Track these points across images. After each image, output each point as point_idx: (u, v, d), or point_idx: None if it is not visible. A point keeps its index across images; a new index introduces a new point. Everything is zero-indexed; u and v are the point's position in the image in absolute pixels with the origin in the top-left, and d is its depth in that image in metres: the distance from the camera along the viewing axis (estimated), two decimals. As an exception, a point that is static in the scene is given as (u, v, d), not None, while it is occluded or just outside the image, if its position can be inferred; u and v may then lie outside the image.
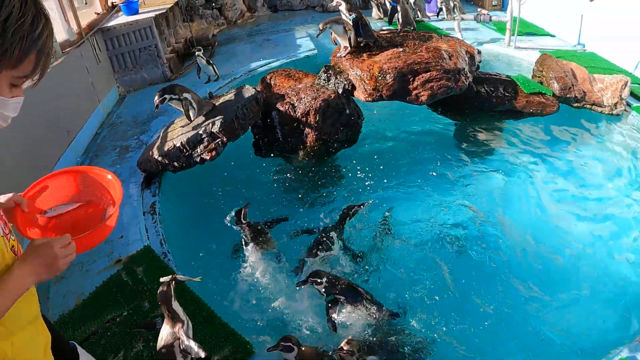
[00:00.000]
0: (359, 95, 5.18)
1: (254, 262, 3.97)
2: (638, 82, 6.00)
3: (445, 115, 6.05)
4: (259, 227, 4.21)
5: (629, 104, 5.70)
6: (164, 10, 8.08)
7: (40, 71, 1.44)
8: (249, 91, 5.18)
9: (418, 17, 8.76)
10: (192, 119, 4.85)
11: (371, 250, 4.21)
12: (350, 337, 2.98)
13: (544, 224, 4.46)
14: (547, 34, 8.02)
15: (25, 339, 1.61)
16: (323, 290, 3.43)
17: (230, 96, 5.24)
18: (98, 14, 7.68)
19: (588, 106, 5.67)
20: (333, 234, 4.09)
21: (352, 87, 5.24)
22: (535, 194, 4.82)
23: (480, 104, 5.69)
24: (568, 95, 5.63)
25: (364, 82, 5.06)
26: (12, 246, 1.59)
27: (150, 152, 4.90)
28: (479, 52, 5.90)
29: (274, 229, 4.34)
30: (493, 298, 3.66)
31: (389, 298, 3.62)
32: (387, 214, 4.57)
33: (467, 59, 5.42)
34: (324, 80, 5.42)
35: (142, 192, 4.81)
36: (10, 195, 1.83)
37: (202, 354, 2.67)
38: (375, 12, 9.48)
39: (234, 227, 4.22)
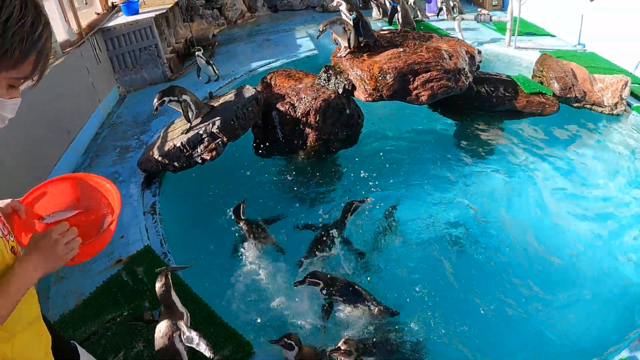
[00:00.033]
0: (359, 95, 5.18)
1: (253, 260, 3.98)
2: (638, 82, 5.99)
3: (446, 115, 6.05)
4: (257, 224, 4.25)
5: (629, 104, 5.70)
6: (164, 10, 8.08)
7: (39, 73, 1.46)
8: (249, 91, 5.18)
9: (418, 17, 8.76)
10: (191, 121, 4.85)
11: (372, 248, 4.22)
12: (347, 337, 2.98)
13: (545, 223, 4.46)
14: (548, 34, 8.01)
15: (26, 340, 1.61)
16: (320, 290, 3.45)
17: (230, 96, 5.25)
18: (98, 14, 7.69)
19: (588, 106, 5.67)
20: (334, 232, 4.10)
21: (352, 87, 5.24)
22: (535, 194, 4.82)
23: (481, 104, 5.69)
24: (568, 95, 5.63)
25: (364, 82, 5.06)
26: (12, 247, 1.60)
27: (151, 152, 4.90)
28: (479, 52, 5.90)
29: (273, 226, 4.37)
30: (493, 298, 3.66)
31: (389, 297, 3.62)
32: (391, 209, 4.58)
33: (467, 59, 5.42)
34: (324, 80, 5.42)
35: (142, 192, 4.81)
36: (8, 200, 1.83)
37: (204, 345, 2.68)
38: (375, 13, 9.48)
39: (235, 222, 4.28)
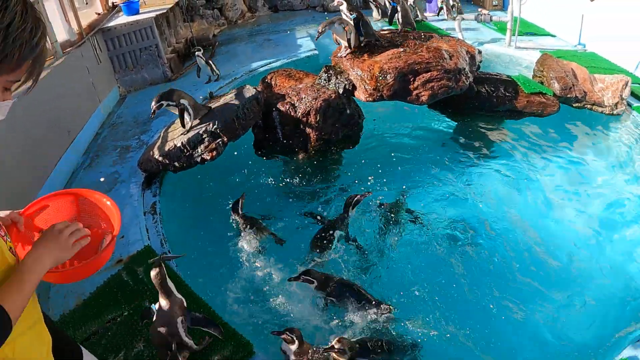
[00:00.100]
0: (360, 95, 5.18)
1: (254, 259, 3.99)
2: (639, 82, 5.99)
3: (446, 115, 6.05)
4: (253, 218, 4.34)
5: (629, 104, 5.70)
6: (165, 11, 8.09)
7: (35, 77, 1.49)
8: (249, 91, 5.18)
9: (418, 17, 8.76)
10: (186, 126, 4.84)
11: (372, 246, 4.24)
12: (341, 336, 2.98)
13: (545, 223, 4.46)
14: (548, 34, 8.01)
15: (27, 343, 1.62)
16: (314, 288, 3.49)
17: (231, 96, 5.25)
18: (99, 14, 7.69)
19: (589, 106, 5.67)
20: (336, 232, 4.13)
21: (352, 87, 5.23)
22: (535, 194, 4.82)
23: (481, 104, 5.69)
24: (569, 95, 5.63)
25: (365, 82, 5.06)
26: (10, 247, 1.61)
27: (151, 152, 4.90)
28: (480, 52, 5.89)
29: (273, 225, 4.43)
30: (494, 297, 3.66)
31: (389, 296, 3.62)
32: (402, 196, 4.66)
33: (467, 59, 5.42)
34: (325, 80, 5.42)
35: (142, 192, 4.82)
36: (8, 212, 1.84)
37: (212, 326, 2.87)
38: (375, 13, 9.48)
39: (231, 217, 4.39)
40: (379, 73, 4.97)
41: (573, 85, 5.67)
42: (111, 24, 7.42)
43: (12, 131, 4.56)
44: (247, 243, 4.17)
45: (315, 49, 8.20)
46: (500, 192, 4.87)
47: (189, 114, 4.83)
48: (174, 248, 4.02)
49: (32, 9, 1.39)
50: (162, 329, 2.83)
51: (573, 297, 3.69)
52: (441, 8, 9.02)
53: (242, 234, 4.25)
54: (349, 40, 5.30)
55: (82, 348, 2.40)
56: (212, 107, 5.11)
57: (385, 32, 6.01)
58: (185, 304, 2.92)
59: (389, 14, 6.24)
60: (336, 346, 2.83)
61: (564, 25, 7.65)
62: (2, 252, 1.53)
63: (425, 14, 9.37)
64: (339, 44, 5.54)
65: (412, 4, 8.31)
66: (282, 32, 9.65)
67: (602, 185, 4.87)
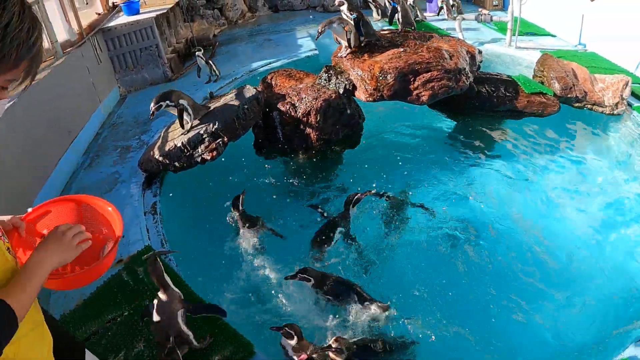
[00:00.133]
0: (360, 95, 5.18)
1: (254, 260, 3.99)
2: (639, 82, 5.99)
3: (446, 115, 6.05)
4: (252, 216, 4.37)
5: (630, 104, 5.69)
6: (165, 11, 8.09)
7: (31, 77, 1.50)
8: (249, 91, 5.18)
9: (418, 17, 8.76)
10: (184, 126, 4.84)
11: (373, 244, 4.24)
12: (338, 336, 2.99)
13: (545, 223, 4.46)
14: (548, 34, 8.01)
15: (30, 343, 1.62)
16: (311, 287, 3.50)
17: (231, 96, 5.25)
18: (99, 14, 7.69)
19: (589, 106, 5.67)
20: (337, 228, 4.16)
21: (353, 87, 5.23)
22: (536, 194, 4.82)
23: (481, 104, 5.69)
24: (569, 95, 5.63)
25: (365, 82, 5.06)
26: (8, 248, 1.62)
27: (151, 152, 4.90)
28: (480, 52, 5.89)
29: (274, 224, 4.44)
30: (494, 297, 3.66)
31: (388, 295, 3.61)
32: (406, 191, 4.70)
33: (468, 59, 5.41)
34: (325, 80, 5.42)
35: (143, 192, 4.82)
36: (9, 217, 1.84)
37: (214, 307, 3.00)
38: (375, 13, 9.48)
39: (229, 214, 4.46)
40: (380, 73, 4.97)
41: (573, 85, 5.67)
42: (111, 24, 7.42)
43: (13, 131, 4.56)
44: (246, 241, 4.19)
45: (315, 49, 8.20)
46: (500, 191, 4.87)
47: (189, 114, 4.83)
48: (174, 248, 4.01)
49: (29, 9, 1.41)
50: (162, 323, 2.87)
51: (574, 297, 3.69)
52: (441, 8, 9.03)
53: (241, 231, 4.28)
54: (348, 40, 5.30)
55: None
56: (212, 107, 5.12)
57: (386, 32, 6.01)
58: (182, 297, 2.99)
59: (388, 14, 6.24)
60: (334, 345, 2.84)
61: (564, 25, 7.65)
62: (3, 253, 1.53)
63: (425, 14, 9.37)
64: (339, 43, 5.54)
65: (411, 3, 8.31)
66: (283, 32, 9.65)
67: (603, 185, 4.87)
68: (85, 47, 6.61)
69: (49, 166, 5.05)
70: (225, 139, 4.73)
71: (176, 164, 4.72)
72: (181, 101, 4.76)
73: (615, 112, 5.59)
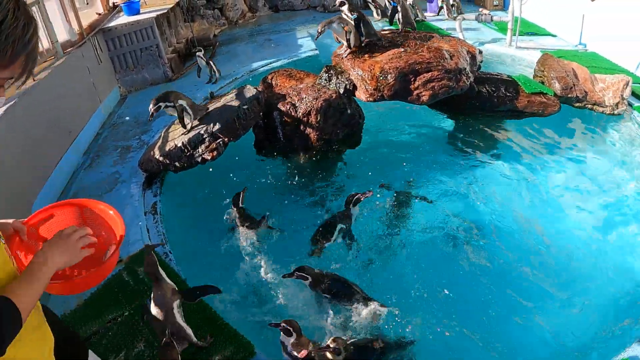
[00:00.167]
0: (360, 95, 5.18)
1: (255, 260, 4.00)
2: (639, 82, 5.99)
3: (447, 115, 6.05)
4: (251, 216, 4.40)
5: (630, 104, 5.69)
6: (165, 11, 8.09)
7: (27, 74, 1.50)
8: (250, 91, 5.18)
9: (418, 17, 8.76)
10: (186, 126, 4.85)
11: (373, 244, 4.25)
12: (336, 336, 2.99)
13: (546, 223, 4.45)
14: (549, 34, 8.01)
15: (31, 344, 1.62)
16: (308, 285, 3.51)
17: (231, 96, 5.25)
18: (99, 14, 7.70)
19: (589, 106, 5.66)
20: (338, 225, 4.19)
21: (353, 87, 5.23)
22: (536, 194, 4.81)
23: (482, 104, 5.69)
24: (569, 95, 5.62)
25: (365, 82, 5.06)
26: (6, 248, 1.62)
27: (152, 152, 4.90)
28: (480, 52, 5.89)
29: (274, 224, 4.46)
30: (494, 297, 3.65)
31: (388, 294, 3.61)
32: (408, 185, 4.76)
33: (468, 58, 5.41)
34: (325, 80, 5.42)
35: (143, 192, 4.82)
36: (10, 220, 1.84)
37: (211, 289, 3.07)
38: (375, 13, 9.48)
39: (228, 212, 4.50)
40: (380, 73, 4.97)
41: (574, 85, 5.67)
42: (112, 24, 7.42)
43: (13, 131, 4.56)
44: (245, 240, 4.20)
45: (315, 49, 8.20)
46: (501, 191, 4.87)
47: (188, 115, 4.83)
48: (174, 248, 4.01)
49: (24, 6, 1.41)
50: (159, 316, 2.91)
51: (574, 297, 3.68)
52: (441, 7, 9.03)
53: (240, 229, 4.30)
54: (348, 41, 5.30)
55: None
56: (212, 107, 5.12)
57: (386, 32, 6.01)
58: (176, 288, 3.05)
59: (389, 14, 6.24)
60: (331, 345, 2.84)
61: (564, 25, 7.64)
62: (2, 254, 1.54)
63: (425, 14, 9.36)
64: (340, 42, 5.54)
65: (411, 3, 8.31)
66: (283, 32, 9.65)
67: (603, 185, 4.87)
68: (85, 47, 6.61)
69: (49, 166, 5.05)
70: (226, 139, 4.73)
71: (176, 164, 4.72)
72: (180, 102, 4.76)
73: (615, 112, 5.59)
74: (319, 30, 5.18)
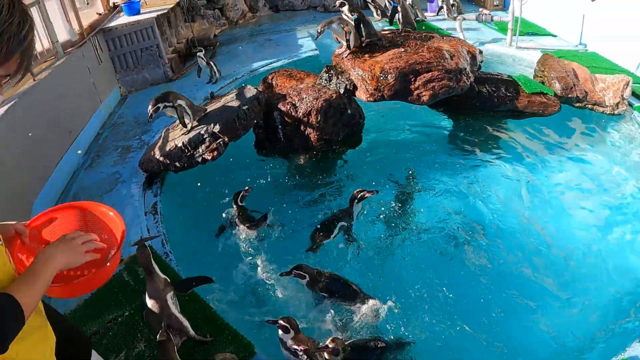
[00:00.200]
0: (361, 95, 5.18)
1: (255, 259, 4.00)
2: (639, 82, 6.00)
3: (447, 115, 6.05)
4: (249, 215, 4.40)
5: (630, 104, 5.69)
6: (166, 11, 8.09)
7: (23, 71, 1.50)
8: (250, 91, 5.19)
9: (418, 17, 8.77)
10: (187, 125, 4.86)
11: (373, 242, 4.26)
12: (335, 336, 2.99)
13: (546, 223, 4.45)
14: (549, 34, 8.00)
15: (33, 344, 1.63)
16: (306, 284, 3.52)
17: (232, 96, 5.25)
18: (100, 14, 7.70)
19: (590, 106, 5.66)
20: (339, 223, 4.21)
21: (353, 87, 5.23)
22: (536, 194, 4.81)
23: (482, 104, 5.69)
24: (570, 95, 5.62)
25: (366, 82, 5.06)
26: (6, 250, 1.62)
27: (152, 152, 4.90)
28: (481, 52, 5.89)
29: (274, 224, 4.47)
30: (494, 297, 3.65)
31: (388, 294, 3.61)
32: (410, 171, 4.88)
33: (468, 59, 5.42)
34: (326, 80, 5.43)
35: (143, 192, 4.82)
36: (13, 223, 1.84)
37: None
38: (375, 13, 9.49)
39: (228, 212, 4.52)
40: (380, 73, 4.97)
41: (574, 85, 5.67)
42: (112, 24, 7.43)
43: (13, 131, 4.56)
44: (244, 238, 4.24)
45: (316, 49, 8.20)
46: (501, 191, 4.87)
47: (188, 115, 4.84)
48: (174, 248, 4.02)
49: (19, 3, 1.41)
50: (154, 308, 2.97)
51: (575, 297, 3.68)
52: (441, 7, 9.03)
53: (239, 228, 4.33)
54: (348, 41, 5.31)
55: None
56: (212, 107, 5.13)
57: (386, 32, 6.01)
58: (169, 280, 3.11)
59: (389, 14, 6.24)
60: (330, 345, 2.84)
61: (565, 25, 7.64)
62: (2, 255, 1.54)
63: (426, 14, 9.36)
64: (340, 42, 5.55)
65: (410, 3, 8.31)
66: (283, 32, 9.65)
67: (603, 185, 4.86)
68: (86, 47, 6.61)
69: (49, 166, 5.05)
70: (226, 139, 4.73)
71: (177, 164, 4.72)
72: (179, 102, 4.77)
73: (616, 112, 5.59)
74: (319, 31, 5.18)
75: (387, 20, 6.57)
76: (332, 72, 5.41)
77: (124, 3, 7.69)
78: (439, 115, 6.06)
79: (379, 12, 8.92)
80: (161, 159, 4.74)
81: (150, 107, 4.67)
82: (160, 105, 4.71)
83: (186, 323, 3.03)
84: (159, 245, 4.01)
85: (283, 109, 5.18)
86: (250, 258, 4.04)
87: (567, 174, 5.06)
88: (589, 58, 6.69)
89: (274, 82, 5.85)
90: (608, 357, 3.00)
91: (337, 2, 5.44)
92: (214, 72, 7.31)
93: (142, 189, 4.88)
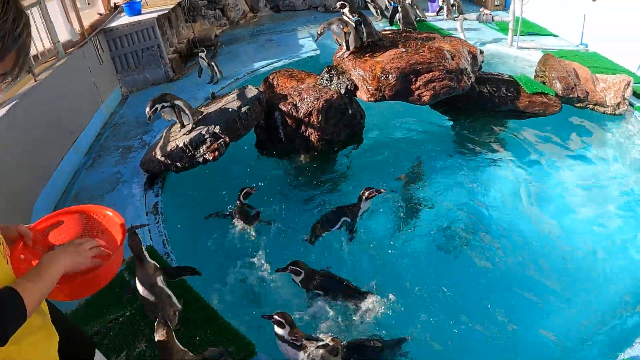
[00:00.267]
0: (362, 95, 5.18)
1: (255, 259, 4.01)
2: (641, 82, 5.99)
3: (448, 115, 6.05)
4: (248, 213, 4.47)
5: (631, 104, 5.69)
6: (167, 11, 8.10)
7: (19, 69, 1.49)
8: (251, 91, 5.19)
9: (419, 17, 8.77)
10: (185, 125, 4.86)
11: (374, 241, 4.26)
12: (334, 336, 2.99)
13: (547, 223, 4.45)
14: (550, 34, 8.00)
15: (35, 343, 1.63)
16: (300, 282, 3.54)
17: (233, 96, 5.25)
18: (101, 14, 7.71)
19: (591, 106, 5.66)
20: (342, 218, 4.24)
21: (354, 87, 5.24)
22: (537, 194, 4.81)
23: (483, 104, 5.69)
24: (570, 95, 5.62)
25: (367, 82, 5.06)
26: (6, 252, 1.62)
27: (153, 153, 4.91)
28: (482, 52, 5.89)
29: (274, 224, 4.50)
30: (495, 297, 3.65)
31: (386, 293, 3.61)
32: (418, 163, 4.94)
33: (469, 59, 5.41)
34: (327, 80, 5.43)
35: (144, 193, 4.82)
36: (16, 225, 1.84)
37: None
38: (374, 13, 9.49)
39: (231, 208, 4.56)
40: (381, 73, 4.97)
41: (575, 85, 5.66)
42: (113, 24, 7.44)
43: (14, 131, 4.57)
44: (238, 229, 4.32)
45: (317, 49, 8.20)
46: (501, 191, 4.87)
47: (186, 115, 4.85)
48: (175, 248, 4.02)
49: (13, 1, 1.40)
50: (145, 292, 3.10)
51: (576, 296, 3.68)
52: (441, 7, 9.03)
53: (235, 222, 4.39)
54: (347, 42, 5.31)
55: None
56: (213, 108, 5.13)
57: (387, 32, 6.01)
58: (158, 265, 3.27)
59: (389, 14, 6.24)
60: (330, 344, 2.85)
61: (565, 25, 7.64)
62: (1, 257, 1.54)
63: (427, 14, 9.36)
64: (340, 44, 5.55)
65: (410, 2, 8.31)
66: (284, 33, 9.66)
67: (604, 185, 4.86)
68: (87, 47, 6.62)
69: (50, 166, 5.06)
70: (227, 139, 4.73)
71: (178, 164, 4.73)
72: (176, 102, 4.79)
73: (617, 112, 5.59)
74: (319, 32, 5.20)
75: (387, 20, 6.56)
76: (333, 72, 5.42)
77: (125, 3, 7.71)
78: (440, 115, 6.06)
79: (378, 12, 8.92)
80: (162, 159, 4.74)
81: (148, 108, 4.69)
82: (158, 106, 4.72)
83: (174, 297, 3.19)
84: (160, 246, 4.02)
85: (284, 109, 5.18)
86: (251, 258, 4.04)
87: (567, 174, 5.06)
88: (590, 58, 6.69)
89: (275, 83, 5.85)
90: (608, 357, 3.00)
91: (338, 3, 5.44)
92: (215, 73, 7.32)
93: (143, 189, 4.88)
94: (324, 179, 5.21)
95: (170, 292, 3.18)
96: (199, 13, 10.33)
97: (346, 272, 3.85)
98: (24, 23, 1.43)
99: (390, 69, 4.96)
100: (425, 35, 5.84)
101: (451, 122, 6.08)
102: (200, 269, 3.74)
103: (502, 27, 8.17)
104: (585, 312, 3.56)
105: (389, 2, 6.60)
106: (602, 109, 5.63)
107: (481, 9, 8.95)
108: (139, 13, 7.75)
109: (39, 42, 5.58)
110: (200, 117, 5.02)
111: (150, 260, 3.22)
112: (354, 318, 3.42)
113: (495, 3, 9.62)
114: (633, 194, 4.67)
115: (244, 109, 4.93)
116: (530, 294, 3.70)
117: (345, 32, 5.25)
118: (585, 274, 3.87)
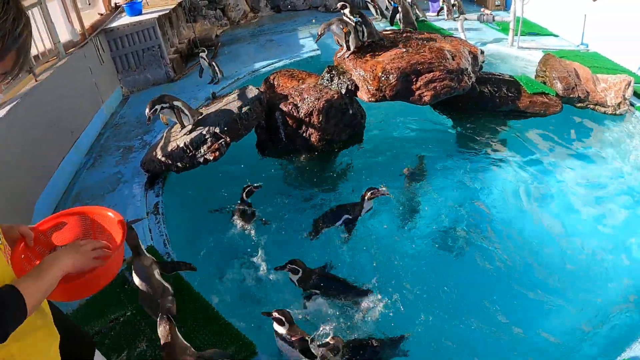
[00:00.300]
0: (362, 95, 5.19)
1: (256, 259, 4.02)
2: (641, 82, 5.98)
3: (449, 115, 6.05)
4: (246, 210, 4.49)
5: (632, 104, 5.69)
6: (167, 11, 8.12)
7: (19, 69, 1.49)
8: (252, 92, 5.19)
9: (419, 16, 8.76)
10: (185, 125, 4.87)
11: (375, 240, 4.27)
12: (334, 335, 3.00)
13: (547, 223, 4.45)
14: (550, 34, 8.00)
15: (33, 345, 1.63)
16: (297, 280, 3.55)
17: (233, 97, 5.26)
18: (101, 14, 7.71)
19: (591, 106, 5.66)
20: (344, 216, 4.26)
21: (355, 87, 5.24)
22: (538, 194, 4.81)
23: (484, 104, 5.69)
24: (571, 95, 5.62)
25: (367, 82, 5.06)
26: (6, 252, 1.63)
27: (154, 153, 4.91)
28: (482, 52, 5.89)
29: (275, 224, 4.51)
30: (495, 297, 3.65)
31: (386, 293, 3.61)
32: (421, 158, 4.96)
33: (470, 59, 5.41)
34: (327, 80, 5.43)
35: (145, 193, 4.83)
36: (17, 225, 1.84)
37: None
38: (374, 13, 9.48)
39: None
40: (382, 73, 4.97)
41: (576, 85, 5.66)
42: (114, 24, 7.44)
43: (15, 131, 4.57)
44: (238, 226, 4.36)
45: (317, 49, 8.21)
46: (502, 191, 4.87)
47: (186, 115, 4.85)
48: (176, 248, 4.02)
49: (14, 1, 1.40)
50: (143, 284, 3.18)
51: (576, 296, 3.68)
52: (442, 8, 9.02)
53: (234, 219, 4.44)
54: (347, 42, 5.31)
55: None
56: (214, 108, 5.14)
57: (388, 32, 6.01)
58: (155, 259, 3.38)
59: (390, 14, 6.24)
60: (331, 342, 2.85)
61: (566, 25, 7.64)
62: (1, 257, 1.54)
63: (427, 14, 9.36)
64: (341, 44, 5.55)
65: (410, 2, 8.30)
66: (285, 33, 9.66)
67: (605, 185, 4.86)
68: (87, 47, 6.62)
69: (51, 166, 5.06)
70: (228, 140, 4.73)
71: (179, 164, 4.73)
72: (175, 102, 4.79)
73: (617, 112, 5.59)
74: (319, 33, 5.21)
75: (387, 20, 6.56)
76: (333, 72, 5.42)
77: (125, 3, 7.71)
78: (441, 115, 6.06)
79: (377, 12, 8.91)
80: (163, 159, 4.75)
81: (147, 109, 4.70)
82: (157, 107, 4.73)
83: (170, 288, 3.26)
84: (161, 246, 4.02)
85: (285, 109, 5.18)
86: (251, 258, 4.05)
87: (568, 174, 5.06)
88: (590, 58, 6.69)
89: (275, 83, 5.86)
90: (608, 357, 3.00)
91: (339, 4, 5.44)
92: (216, 73, 7.32)
93: (144, 189, 4.89)
94: (325, 179, 5.21)
95: (166, 284, 3.25)
96: (200, 13, 10.34)
97: (346, 271, 3.86)
98: (24, 23, 1.43)
99: (391, 69, 4.96)
100: (425, 35, 5.84)
101: (452, 122, 6.07)
102: (201, 269, 3.76)
103: (503, 27, 8.17)
104: (585, 312, 3.56)
105: (389, 2, 6.60)
106: (602, 109, 5.63)
107: (482, 9, 8.94)
108: (140, 13, 7.75)
109: (40, 42, 5.58)
110: (200, 117, 5.02)
111: (147, 254, 3.31)
112: (354, 317, 3.43)
113: (496, 3, 9.62)
114: (633, 194, 4.67)
115: (244, 109, 4.93)
116: (530, 293, 3.69)
117: (345, 33, 5.25)
118: (585, 274, 3.87)
